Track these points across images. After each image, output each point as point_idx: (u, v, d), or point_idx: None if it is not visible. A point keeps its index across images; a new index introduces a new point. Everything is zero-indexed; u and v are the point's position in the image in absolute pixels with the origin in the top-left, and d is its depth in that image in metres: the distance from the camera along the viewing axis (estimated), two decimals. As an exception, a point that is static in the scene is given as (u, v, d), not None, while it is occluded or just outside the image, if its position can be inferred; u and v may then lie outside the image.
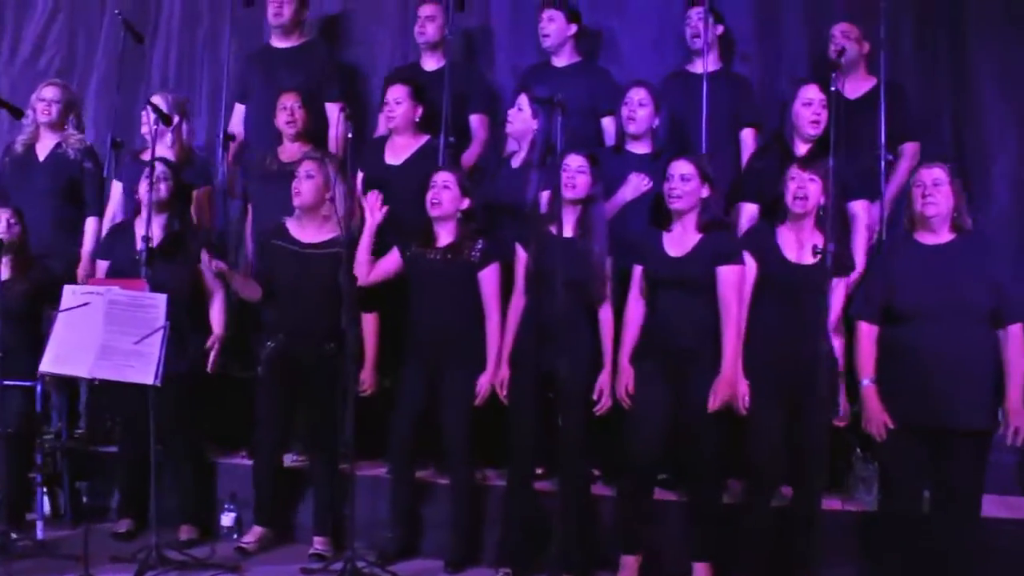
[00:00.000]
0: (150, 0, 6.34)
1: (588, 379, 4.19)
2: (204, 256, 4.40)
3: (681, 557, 4.20)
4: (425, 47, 5.36)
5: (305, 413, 4.56)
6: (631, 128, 4.60)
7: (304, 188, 4.47)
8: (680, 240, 4.16)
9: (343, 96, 5.29)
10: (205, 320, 4.69)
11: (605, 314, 4.22)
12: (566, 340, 4.02)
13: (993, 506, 4.27)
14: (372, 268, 4.49)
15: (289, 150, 5.04)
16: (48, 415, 4.95)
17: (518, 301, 4.32)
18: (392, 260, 4.49)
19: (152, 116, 4.67)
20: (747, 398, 4.02)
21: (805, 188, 4.02)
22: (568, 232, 4.22)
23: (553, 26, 5.18)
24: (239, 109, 5.54)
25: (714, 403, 4.01)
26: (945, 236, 3.91)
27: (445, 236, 4.43)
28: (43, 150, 5.21)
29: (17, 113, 5.28)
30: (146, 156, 4.68)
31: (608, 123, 5.07)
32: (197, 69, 6.27)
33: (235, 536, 4.67)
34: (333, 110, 5.32)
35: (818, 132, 4.44)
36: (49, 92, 5.23)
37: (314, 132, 5.17)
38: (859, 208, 4.45)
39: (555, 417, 4.02)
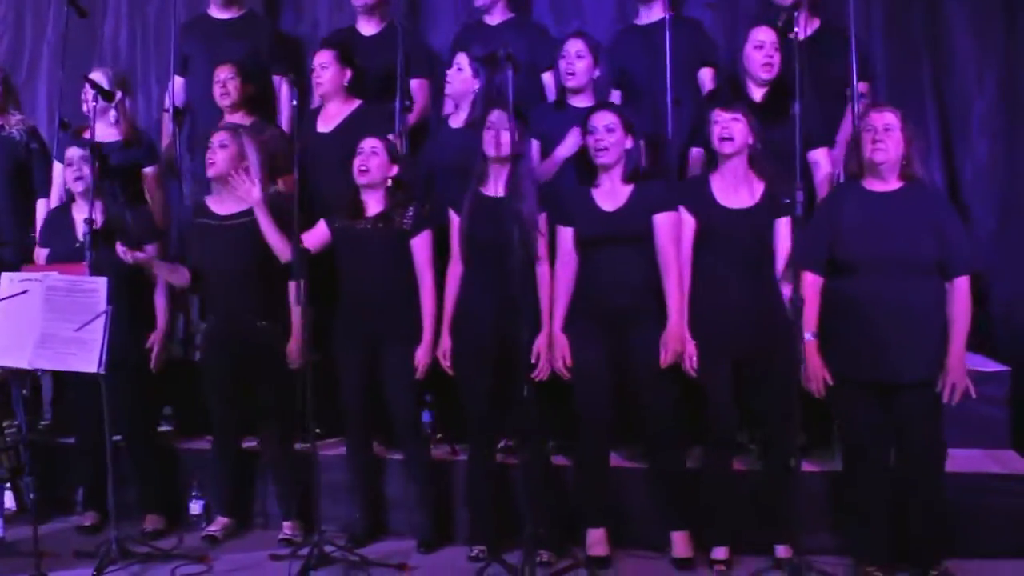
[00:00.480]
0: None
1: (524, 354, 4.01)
2: (118, 247, 4.20)
3: (658, 527, 4.09)
4: (362, 11, 5.18)
5: (252, 395, 4.41)
6: (570, 82, 4.46)
7: (218, 158, 4.30)
8: (611, 194, 4.03)
9: (291, 68, 5.11)
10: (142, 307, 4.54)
11: (541, 273, 4.07)
12: (515, 304, 3.86)
13: (984, 461, 4.17)
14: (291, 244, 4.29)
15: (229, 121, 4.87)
16: (9, 407, 4.81)
17: (455, 268, 4.18)
18: (318, 233, 4.31)
19: (92, 93, 4.50)
20: (695, 357, 3.90)
21: (729, 128, 3.90)
22: (499, 192, 4.08)
23: None
24: (179, 82, 5.36)
25: (665, 357, 3.89)
26: (893, 184, 3.79)
27: (374, 205, 4.29)
28: None
29: None
30: (87, 135, 4.52)
31: (548, 78, 4.91)
32: (149, 45, 6.07)
33: (203, 524, 4.56)
34: (281, 83, 5.21)
35: (771, 75, 4.31)
36: (97, 76, 4.88)
37: (260, 104, 5.03)
38: (819, 156, 4.33)
39: (510, 385, 3.91)
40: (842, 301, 3.76)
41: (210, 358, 4.42)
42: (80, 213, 4.44)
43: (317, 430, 4.16)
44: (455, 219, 4.18)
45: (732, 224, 3.90)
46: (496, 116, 4.05)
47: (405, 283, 4.21)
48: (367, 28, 5.23)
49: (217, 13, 5.40)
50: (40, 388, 5.12)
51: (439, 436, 4.59)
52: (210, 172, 4.34)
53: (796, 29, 3.74)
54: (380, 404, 4.29)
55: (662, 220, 3.95)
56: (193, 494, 4.62)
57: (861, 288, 3.71)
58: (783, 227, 3.89)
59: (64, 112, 5.12)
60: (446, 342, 4.16)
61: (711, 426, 3.95)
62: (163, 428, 4.92)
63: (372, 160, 4.25)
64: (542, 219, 4.06)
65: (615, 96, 4.87)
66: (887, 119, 3.76)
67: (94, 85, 4.52)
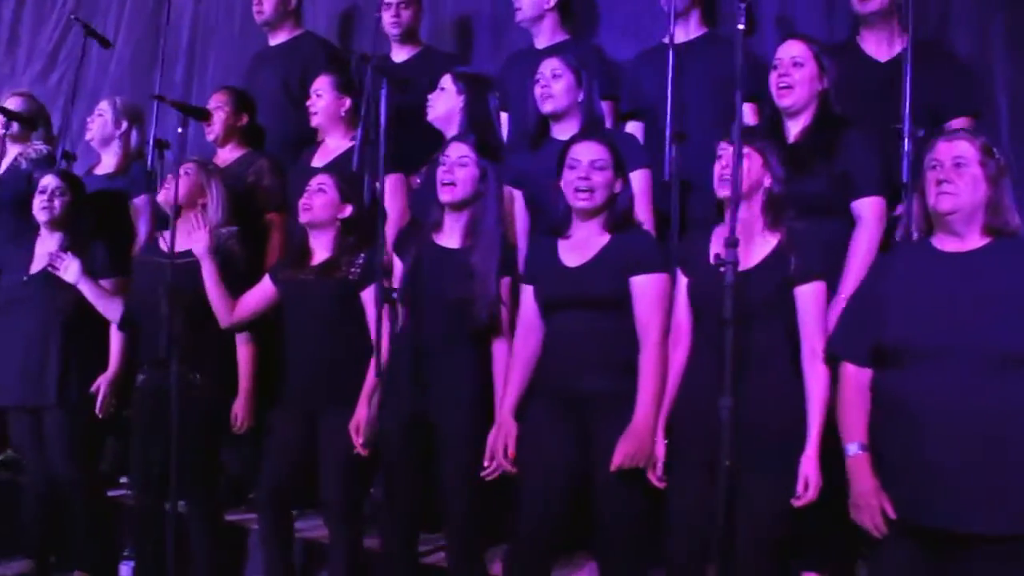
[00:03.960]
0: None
1: (471, 430, 3.30)
2: (49, 255, 3.95)
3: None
4: (394, 37, 4.63)
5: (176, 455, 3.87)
6: (547, 106, 3.66)
7: (173, 186, 3.82)
8: (581, 246, 3.20)
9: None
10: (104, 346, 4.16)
11: (498, 350, 3.32)
12: (441, 377, 3.25)
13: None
14: (234, 305, 3.79)
15: (219, 155, 4.52)
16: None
17: (389, 324, 3.44)
18: (261, 291, 3.77)
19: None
20: (661, 463, 3.00)
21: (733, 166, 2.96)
22: (453, 242, 3.39)
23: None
24: None
25: (617, 459, 3.01)
26: (973, 241, 2.70)
27: (321, 251, 3.70)
28: (5, 164, 4.95)
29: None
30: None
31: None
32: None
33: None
34: None
35: (792, 102, 3.32)
36: (12, 103, 4.95)
37: (255, 135, 4.60)
38: (864, 207, 3.25)
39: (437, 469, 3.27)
40: (888, 405, 2.70)
41: (141, 414, 3.94)
42: (42, 245, 4.19)
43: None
44: (399, 267, 3.51)
45: (723, 291, 2.91)
46: (453, 151, 3.38)
47: (351, 341, 3.57)
48: (399, 54, 4.70)
49: (271, 39, 5.00)
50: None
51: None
52: (159, 196, 3.95)
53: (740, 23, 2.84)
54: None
55: (641, 284, 3.10)
56: (124, 554, 4.18)
57: (912, 389, 2.63)
58: (806, 297, 2.91)
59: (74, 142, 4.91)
60: (361, 413, 3.47)
61: (671, 556, 3.01)
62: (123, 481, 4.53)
63: (316, 198, 3.69)
64: (504, 283, 3.33)
65: (635, 128, 4.10)
66: (958, 150, 2.68)
67: (5, 112, 4.34)
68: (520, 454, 3.18)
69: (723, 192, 2.98)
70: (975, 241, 2.70)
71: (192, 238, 3.81)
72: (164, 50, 4.96)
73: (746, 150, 2.94)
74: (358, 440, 3.46)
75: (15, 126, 4.86)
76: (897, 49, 3.61)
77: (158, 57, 5.07)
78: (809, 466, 2.79)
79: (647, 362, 3.06)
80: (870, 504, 2.66)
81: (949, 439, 2.55)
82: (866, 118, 3.36)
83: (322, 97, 4.19)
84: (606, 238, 3.17)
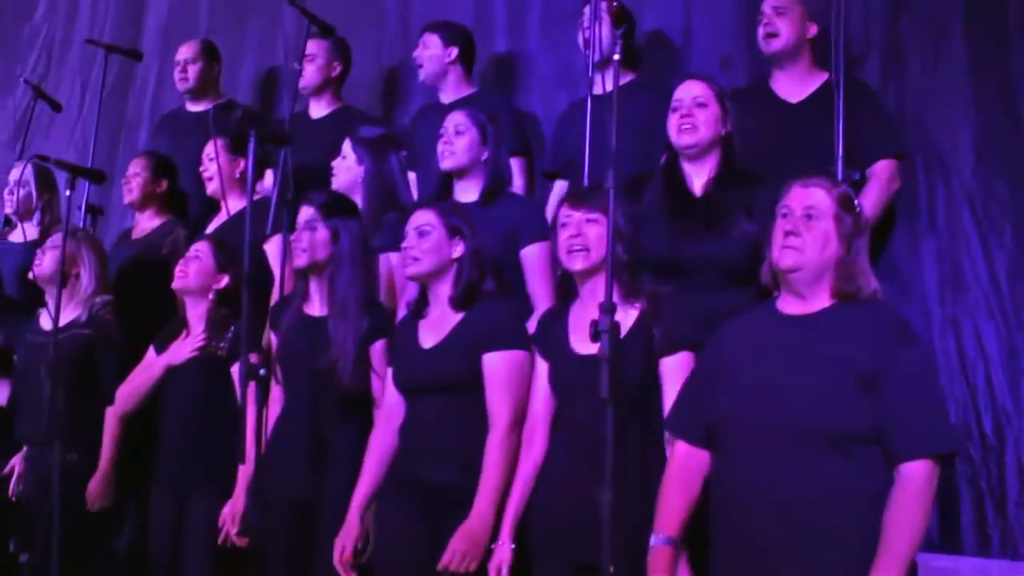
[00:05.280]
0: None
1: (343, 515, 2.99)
2: None
3: None
4: (307, 91, 4.39)
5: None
6: (446, 162, 3.41)
7: (45, 259, 3.74)
8: (436, 324, 2.93)
9: None
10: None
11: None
12: (320, 455, 3.02)
13: None
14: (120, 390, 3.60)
15: (138, 221, 4.37)
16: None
17: (273, 404, 3.17)
18: (149, 367, 3.57)
19: None
20: (506, 566, 2.66)
21: (584, 235, 2.68)
22: (320, 309, 3.14)
23: (428, 52, 4.08)
24: None
25: (445, 559, 2.69)
26: (818, 302, 2.37)
27: (196, 322, 3.50)
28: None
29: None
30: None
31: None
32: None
33: None
34: None
35: (695, 140, 3.03)
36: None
37: (175, 202, 4.40)
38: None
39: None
40: (717, 490, 2.40)
41: (21, 494, 3.74)
42: None
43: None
44: (274, 341, 3.27)
45: (579, 376, 2.62)
46: (301, 214, 3.15)
47: (222, 420, 3.32)
48: (317, 110, 4.44)
49: (191, 106, 4.84)
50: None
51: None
52: (32, 272, 3.78)
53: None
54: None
55: (492, 361, 2.81)
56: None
57: (732, 472, 2.34)
58: (670, 370, 2.59)
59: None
60: (238, 500, 3.18)
61: None
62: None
63: (191, 265, 3.49)
64: (375, 348, 3.06)
65: (562, 188, 3.84)
66: (812, 199, 2.35)
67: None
68: (375, 551, 2.90)
69: (574, 265, 2.70)
70: (820, 303, 2.37)
71: (72, 308, 3.66)
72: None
73: (594, 215, 2.68)
74: (233, 529, 3.18)
75: None
76: (810, 89, 3.33)
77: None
78: None
79: (492, 451, 2.75)
80: None
81: (770, 525, 2.24)
82: (778, 163, 3.03)
83: (213, 160, 4.00)
84: (459, 316, 2.90)
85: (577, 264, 2.70)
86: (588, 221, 2.70)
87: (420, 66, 4.10)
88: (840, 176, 3.04)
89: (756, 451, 2.28)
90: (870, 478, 2.22)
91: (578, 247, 2.68)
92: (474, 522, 2.69)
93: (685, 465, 2.44)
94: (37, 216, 4.46)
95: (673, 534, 2.39)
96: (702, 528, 2.43)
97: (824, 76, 3.33)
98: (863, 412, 2.22)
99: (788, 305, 2.40)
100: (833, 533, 2.21)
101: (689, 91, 3.07)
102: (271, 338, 3.27)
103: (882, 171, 3.26)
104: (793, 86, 3.36)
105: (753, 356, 2.38)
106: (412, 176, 3.91)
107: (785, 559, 2.24)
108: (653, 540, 2.40)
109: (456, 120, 3.42)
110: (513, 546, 2.68)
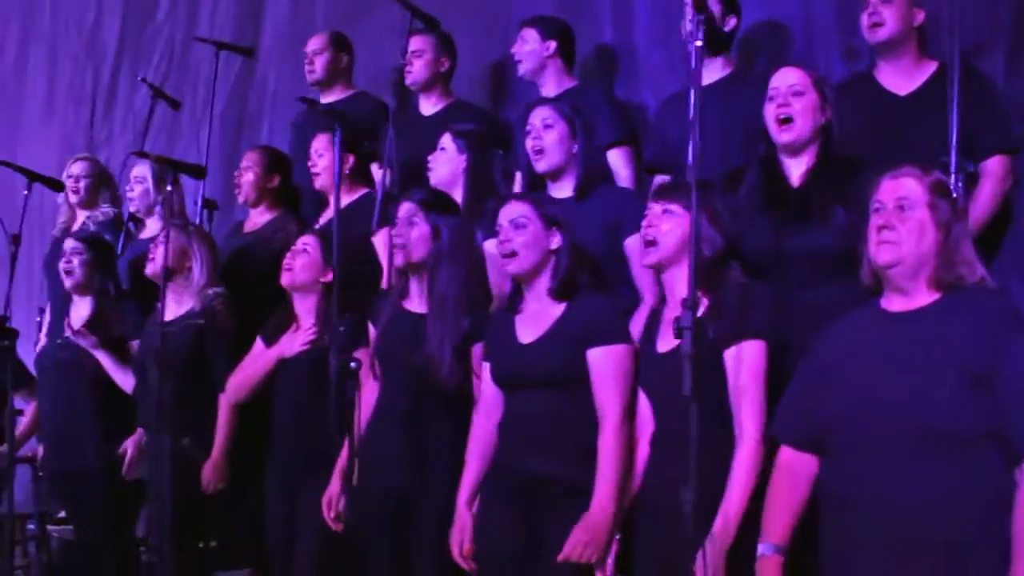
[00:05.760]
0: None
1: (440, 508, 3.04)
2: (67, 325, 3.97)
3: None
4: (416, 87, 4.43)
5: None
6: (540, 164, 3.37)
7: (158, 254, 3.82)
8: (535, 318, 2.92)
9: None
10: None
11: (472, 425, 3.06)
12: (415, 449, 3.06)
13: None
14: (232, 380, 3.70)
15: (251, 217, 4.45)
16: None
17: (369, 393, 3.20)
18: (260, 358, 3.64)
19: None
20: (611, 560, 2.68)
21: (656, 227, 2.65)
22: (420, 306, 3.17)
23: (526, 48, 4.05)
24: None
25: (567, 549, 2.69)
26: (921, 298, 2.29)
27: (306, 316, 3.55)
28: (75, 228, 4.98)
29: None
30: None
31: (613, 156, 3.88)
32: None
33: None
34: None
35: (794, 137, 2.93)
36: (77, 168, 4.97)
37: (289, 197, 4.50)
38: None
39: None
40: (824, 497, 2.34)
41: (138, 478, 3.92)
42: (75, 310, 4.23)
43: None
44: (372, 334, 3.32)
45: (660, 373, 2.64)
46: (402, 210, 3.18)
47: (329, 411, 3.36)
48: (427, 106, 4.46)
49: (323, 98, 4.82)
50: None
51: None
52: (147, 270, 3.91)
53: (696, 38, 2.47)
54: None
55: (597, 357, 2.79)
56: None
57: (845, 476, 2.26)
58: (738, 358, 2.55)
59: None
60: (334, 487, 3.25)
61: None
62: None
63: (299, 259, 3.55)
64: (475, 349, 3.08)
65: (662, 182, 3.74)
66: (903, 189, 2.27)
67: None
68: (475, 545, 2.93)
69: (646, 260, 2.72)
70: (923, 298, 2.27)
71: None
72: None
73: (671, 206, 2.66)
74: (330, 514, 3.25)
75: (83, 190, 4.89)
76: (919, 81, 3.19)
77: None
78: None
79: (607, 444, 2.74)
80: None
81: (884, 532, 2.17)
82: (886, 160, 2.90)
83: (323, 156, 4.06)
84: (560, 308, 2.88)
85: (648, 259, 2.70)
86: (664, 212, 2.68)
87: (519, 61, 4.09)
88: (954, 167, 2.92)
89: (869, 455, 2.22)
90: (988, 479, 2.14)
91: (649, 238, 2.67)
92: (597, 513, 2.69)
93: (791, 470, 2.40)
94: (158, 211, 4.62)
95: (781, 542, 2.36)
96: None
97: (933, 66, 3.20)
98: (978, 412, 2.14)
99: (892, 303, 2.32)
100: (955, 537, 2.14)
101: (785, 79, 2.98)
102: (370, 331, 3.33)
103: (995, 168, 3.12)
104: (900, 78, 3.22)
105: (860, 357, 2.31)
106: (518, 176, 3.83)
107: (907, 563, 2.17)
108: (761, 549, 2.37)
109: (543, 115, 3.38)
110: (619, 538, 2.69)
